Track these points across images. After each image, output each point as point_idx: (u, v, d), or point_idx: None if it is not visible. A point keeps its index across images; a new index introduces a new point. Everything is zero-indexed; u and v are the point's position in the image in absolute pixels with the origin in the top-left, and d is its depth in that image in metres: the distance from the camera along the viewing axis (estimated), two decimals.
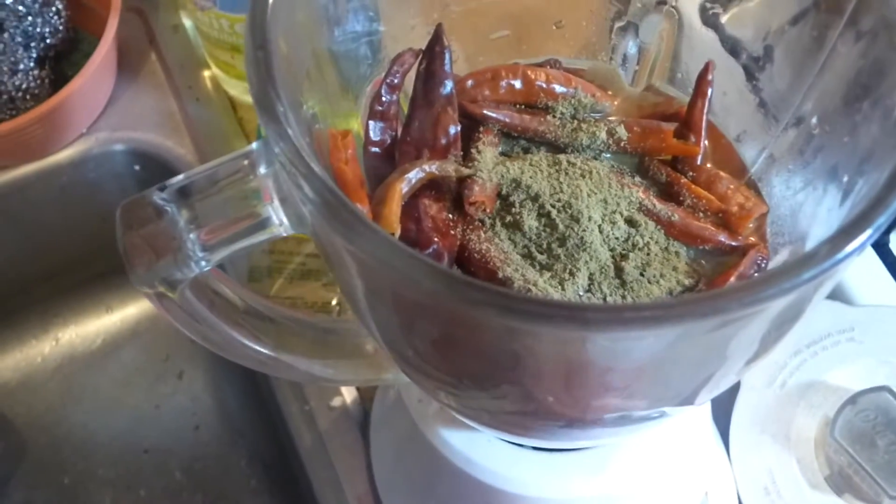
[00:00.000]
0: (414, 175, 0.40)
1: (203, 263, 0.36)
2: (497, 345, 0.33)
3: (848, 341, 0.67)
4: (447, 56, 0.43)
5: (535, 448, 0.53)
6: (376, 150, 0.43)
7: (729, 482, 0.64)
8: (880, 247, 0.72)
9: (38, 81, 0.77)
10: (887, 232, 0.73)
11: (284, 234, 0.36)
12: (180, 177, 0.36)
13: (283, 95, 0.31)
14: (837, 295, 0.70)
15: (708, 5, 0.45)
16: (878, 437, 0.61)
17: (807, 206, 0.40)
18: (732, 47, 0.44)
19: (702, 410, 0.61)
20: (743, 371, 0.40)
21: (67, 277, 0.91)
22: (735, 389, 0.67)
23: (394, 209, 0.39)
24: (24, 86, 0.76)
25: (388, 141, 0.43)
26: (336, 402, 0.72)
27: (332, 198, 0.30)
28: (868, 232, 0.30)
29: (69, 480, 0.87)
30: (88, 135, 0.83)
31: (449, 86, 0.43)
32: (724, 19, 0.45)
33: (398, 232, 0.39)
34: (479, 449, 0.52)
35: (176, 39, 0.88)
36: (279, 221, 0.35)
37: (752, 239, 0.42)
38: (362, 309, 0.36)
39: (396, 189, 0.39)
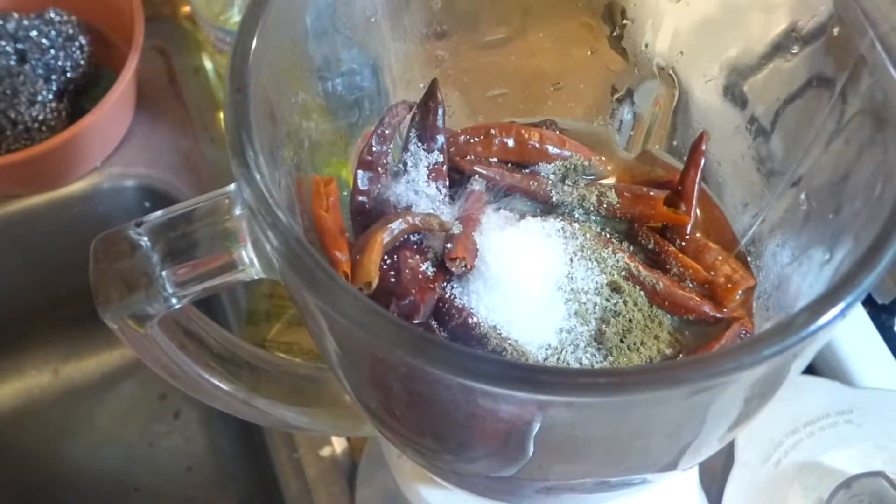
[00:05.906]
0: (397, 226, 0.40)
1: (174, 301, 0.35)
2: (458, 404, 0.32)
3: (846, 423, 0.66)
4: (440, 111, 0.43)
5: None
6: (363, 199, 0.43)
7: None
8: (885, 329, 0.70)
9: (56, 114, 0.78)
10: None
11: (255, 277, 0.35)
12: (158, 213, 0.36)
13: (258, 140, 0.31)
14: (838, 375, 0.69)
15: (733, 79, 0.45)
16: None
17: (794, 280, 0.40)
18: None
19: (690, 482, 0.60)
20: (727, 437, 0.39)
21: (71, 310, 0.90)
22: (728, 465, 0.66)
23: (373, 258, 0.39)
24: (40, 117, 0.77)
25: (376, 191, 0.43)
26: (325, 451, 0.71)
27: (296, 247, 0.29)
28: (841, 305, 0.29)
29: None
30: (102, 169, 0.83)
31: (440, 140, 0.43)
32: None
33: (375, 280, 0.38)
34: None
35: (196, 80, 0.89)
36: (251, 264, 0.35)
37: (738, 312, 0.42)
38: (330, 356, 0.36)
39: (378, 238, 0.39)
